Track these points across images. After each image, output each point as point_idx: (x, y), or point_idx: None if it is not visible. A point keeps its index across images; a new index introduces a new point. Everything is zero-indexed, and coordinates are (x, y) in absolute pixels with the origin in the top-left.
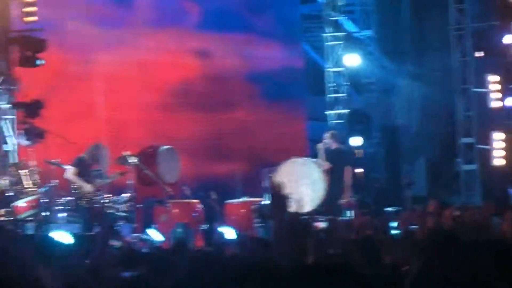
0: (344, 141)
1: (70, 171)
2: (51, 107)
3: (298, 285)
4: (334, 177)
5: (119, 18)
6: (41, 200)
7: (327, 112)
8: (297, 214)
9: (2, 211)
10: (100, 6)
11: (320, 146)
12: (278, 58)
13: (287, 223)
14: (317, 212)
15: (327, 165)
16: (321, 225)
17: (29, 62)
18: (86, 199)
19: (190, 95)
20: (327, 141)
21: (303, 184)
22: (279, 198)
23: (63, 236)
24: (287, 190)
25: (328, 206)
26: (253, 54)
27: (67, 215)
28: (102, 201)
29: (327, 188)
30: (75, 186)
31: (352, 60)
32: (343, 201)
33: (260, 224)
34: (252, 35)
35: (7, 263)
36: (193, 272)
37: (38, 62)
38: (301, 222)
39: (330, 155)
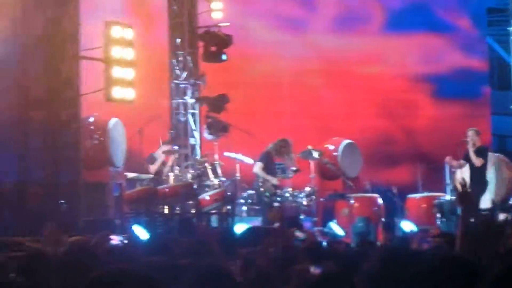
0: None
1: (258, 165)
2: (234, 102)
3: (497, 282)
4: (478, 174)
5: (302, 16)
6: (225, 194)
7: None
8: (483, 210)
9: (190, 203)
10: (284, 4)
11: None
12: (462, 54)
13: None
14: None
15: (480, 161)
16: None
17: (213, 57)
18: (270, 193)
19: (371, 93)
20: (473, 137)
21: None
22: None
23: (244, 230)
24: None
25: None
26: (436, 51)
27: (249, 209)
28: (285, 195)
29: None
30: (263, 181)
31: None
32: None
33: (441, 219)
34: (435, 31)
35: (198, 256)
36: (383, 268)
37: (222, 57)
38: (488, 217)
39: (476, 152)
